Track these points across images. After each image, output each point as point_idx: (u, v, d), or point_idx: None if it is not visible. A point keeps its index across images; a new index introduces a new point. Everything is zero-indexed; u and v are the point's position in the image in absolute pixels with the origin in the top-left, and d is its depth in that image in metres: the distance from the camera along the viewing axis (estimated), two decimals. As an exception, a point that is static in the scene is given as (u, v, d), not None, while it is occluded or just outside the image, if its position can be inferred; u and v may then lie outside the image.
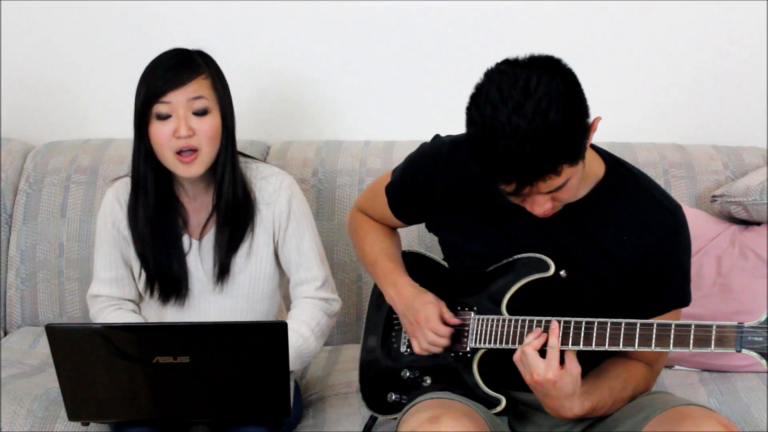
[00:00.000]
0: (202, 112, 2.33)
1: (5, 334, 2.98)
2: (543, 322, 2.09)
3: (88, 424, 2.30)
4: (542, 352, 2.05)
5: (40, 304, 2.98)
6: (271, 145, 3.09)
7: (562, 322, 2.07)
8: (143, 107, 2.32)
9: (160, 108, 2.31)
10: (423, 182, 2.29)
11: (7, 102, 3.22)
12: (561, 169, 1.94)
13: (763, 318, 1.92)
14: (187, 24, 3.14)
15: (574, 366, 2.03)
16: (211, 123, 2.34)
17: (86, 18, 3.17)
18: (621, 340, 2.02)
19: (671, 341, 1.98)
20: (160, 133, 2.32)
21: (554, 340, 2.04)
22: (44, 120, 3.23)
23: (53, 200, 2.99)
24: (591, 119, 1.99)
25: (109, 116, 3.20)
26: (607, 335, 2.03)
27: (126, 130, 3.09)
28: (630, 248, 2.13)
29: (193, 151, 2.33)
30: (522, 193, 1.99)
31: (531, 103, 1.89)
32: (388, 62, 3.16)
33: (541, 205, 2.02)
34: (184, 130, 2.30)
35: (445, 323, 2.22)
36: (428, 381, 2.27)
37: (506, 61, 1.98)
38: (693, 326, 1.97)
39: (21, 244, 2.98)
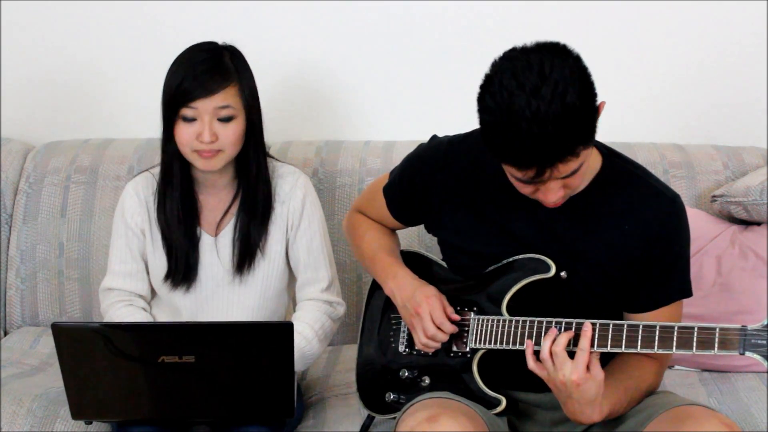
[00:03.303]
0: (226, 119, 2.34)
1: (5, 334, 2.98)
2: (544, 323, 2.09)
3: (90, 423, 2.31)
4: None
5: (40, 304, 2.98)
6: (271, 145, 3.08)
7: (563, 323, 2.07)
8: (170, 108, 2.34)
9: (186, 111, 2.33)
10: (421, 183, 2.29)
11: (7, 102, 3.21)
12: (579, 151, 1.95)
13: (766, 321, 1.92)
14: (187, 24, 3.13)
15: (598, 371, 2.02)
16: (235, 129, 2.36)
17: (87, 18, 3.16)
18: (623, 341, 2.02)
19: (674, 343, 1.98)
20: (185, 134, 2.34)
21: (586, 343, 2.02)
22: (44, 120, 3.23)
23: (53, 200, 2.99)
24: (598, 102, 2.00)
25: (109, 116, 3.20)
26: (609, 337, 2.03)
27: (126, 130, 3.13)
28: (632, 238, 2.13)
29: (216, 151, 2.35)
30: (541, 179, 1.98)
31: (548, 87, 1.90)
32: (388, 62, 3.16)
33: (555, 192, 2.02)
34: (207, 135, 2.32)
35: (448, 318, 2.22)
36: (427, 381, 2.27)
37: (514, 49, 1.99)
38: (696, 328, 1.97)
39: (21, 244, 2.98)
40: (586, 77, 1.97)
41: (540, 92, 1.90)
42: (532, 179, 1.98)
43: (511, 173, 2.02)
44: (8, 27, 3.17)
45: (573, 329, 2.05)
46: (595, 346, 2.03)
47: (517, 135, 1.91)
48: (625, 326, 2.03)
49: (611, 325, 2.03)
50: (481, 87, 1.98)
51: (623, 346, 2.02)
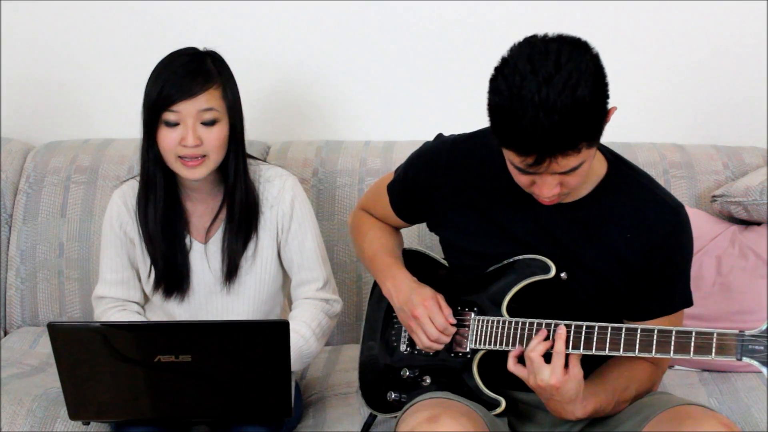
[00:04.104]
0: (210, 123, 2.33)
1: (5, 334, 2.98)
2: (543, 324, 2.09)
3: (88, 424, 2.31)
4: (545, 356, 2.05)
5: (40, 304, 2.98)
6: (271, 145, 3.10)
7: (562, 325, 2.07)
8: (152, 112, 2.33)
9: (169, 116, 2.32)
10: (424, 181, 2.29)
11: (7, 102, 3.22)
12: (581, 147, 1.94)
13: (764, 326, 1.91)
14: (187, 24, 3.14)
15: (576, 371, 2.03)
16: (219, 133, 2.34)
17: (87, 18, 3.17)
18: (621, 345, 2.02)
19: (672, 348, 1.98)
20: (168, 139, 2.33)
21: (561, 346, 2.03)
22: (44, 120, 3.23)
23: (53, 200, 2.99)
24: (609, 106, 1.99)
25: (109, 116, 3.21)
26: (608, 340, 2.03)
27: (126, 130, 3.12)
28: (634, 247, 2.13)
29: (202, 157, 2.34)
30: (539, 169, 1.97)
31: (561, 77, 1.90)
32: (388, 62, 3.16)
33: (550, 187, 2.01)
34: (191, 139, 2.31)
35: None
36: (428, 380, 2.27)
37: (535, 36, 1.98)
38: (694, 333, 1.96)
39: (21, 244, 2.98)
40: (601, 76, 1.96)
41: (552, 81, 1.89)
42: (529, 167, 1.97)
43: (511, 159, 2.01)
44: (8, 27, 3.18)
45: (550, 336, 2.06)
46: (593, 349, 2.03)
47: (522, 120, 1.91)
48: (623, 330, 2.02)
49: (609, 329, 2.03)
50: (496, 68, 1.97)
51: (621, 350, 2.02)
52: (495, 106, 1.96)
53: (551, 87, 1.89)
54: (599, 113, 1.95)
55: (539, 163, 1.95)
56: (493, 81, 1.97)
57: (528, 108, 1.90)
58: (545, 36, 1.98)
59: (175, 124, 2.32)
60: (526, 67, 1.92)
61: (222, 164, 2.39)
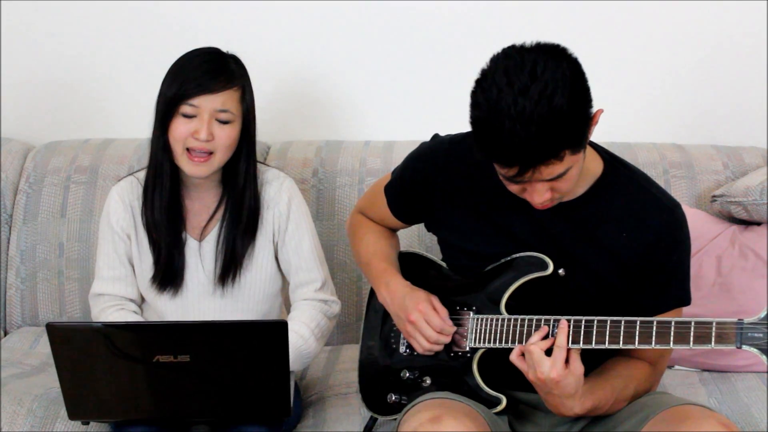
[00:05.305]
0: (224, 122, 2.35)
1: (5, 334, 2.98)
2: (542, 320, 2.09)
3: (88, 424, 2.31)
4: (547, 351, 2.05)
5: (40, 304, 2.98)
6: (271, 145, 3.10)
7: (566, 321, 2.07)
8: (170, 103, 2.34)
9: (186, 108, 2.34)
10: (422, 181, 2.29)
11: (7, 102, 3.22)
12: (563, 155, 1.95)
13: (763, 314, 1.92)
14: (187, 25, 3.14)
15: (577, 366, 2.03)
16: (230, 133, 2.36)
17: (87, 18, 3.17)
18: (621, 337, 2.02)
19: (671, 338, 1.98)
20: (181, 130, 2.34)
21: (563, 340, 2.03)
22: (44, 120, 3.23)
23: (53, 200, 2.99)
24: (594, 110, 2.00)
25: (109, 116, 3.21)
26: (607, 333, 2.03)
27: (126, 130, 3.13)
28: (630, 246, 2.13)
29: (208, 153, 2.35)
30: (523, 179, 1.98)
31: (537, 87, 1.90)
32: (388, 62, 3.16)
33: (540, 194, 2.02)
34: (204, 134, 2.33)
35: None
36: (428, 381, 2.27)
37: (512, 47, 1.99)
38: (693, 323, 1.97)
39: (21, 244, 2.99)
40: (580, 83, 1.97)
41: (528, 92, 1.90)
42: (514, 177, 1.99)
43: (498, 170, 2.03)
44: (8, 27, 3.18)
45: (550, 333, 2.06)
46: (593, 343, 2.03)
47: (501, 132, 1.92)
48: (623, 322, 2.03)
49: (608, 322, 2.04)
50: (476, 81, 1.98)
51: (621, 342, 2.02)
52: (475, 120, 1.98)
53: (527, 98, 1.90)
54: (580, 120, 1.96)
55: (522, 173, 1.96)
56: (473, 95, 1.98)
57: (505, 120, 1.91)
58: (522, 46, 1.98)
59: (191, 117, 2.34)
60: (502, 80, 1.93)
61: (228, 165, 2.41)
